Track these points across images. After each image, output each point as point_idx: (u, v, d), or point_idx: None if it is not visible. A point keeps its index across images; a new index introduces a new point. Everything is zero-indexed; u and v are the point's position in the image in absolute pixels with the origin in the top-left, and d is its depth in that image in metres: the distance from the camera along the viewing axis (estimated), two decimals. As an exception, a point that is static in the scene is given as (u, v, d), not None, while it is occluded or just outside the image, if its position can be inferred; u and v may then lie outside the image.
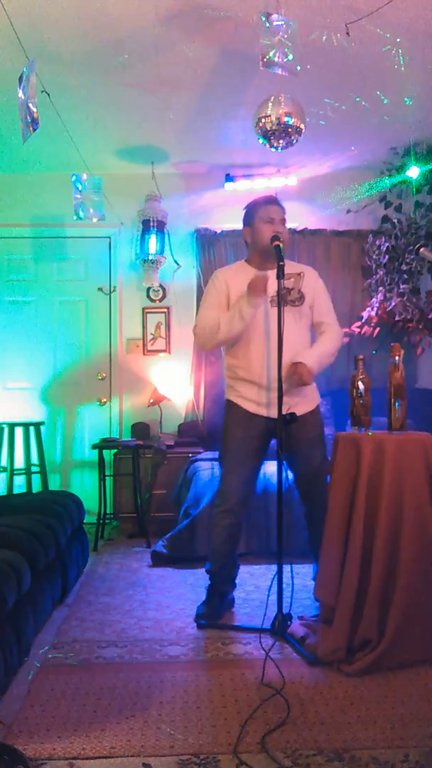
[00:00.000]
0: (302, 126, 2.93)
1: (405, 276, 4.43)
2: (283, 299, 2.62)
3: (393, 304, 4.43)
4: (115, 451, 4.58)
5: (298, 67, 2.63)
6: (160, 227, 4.81)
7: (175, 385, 4.95)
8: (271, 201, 2.79)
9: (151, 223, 4.76)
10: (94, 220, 3.70)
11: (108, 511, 4.49)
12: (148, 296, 5.08)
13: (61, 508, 3.12)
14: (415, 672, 2.23)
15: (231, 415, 2.82)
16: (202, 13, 2.97)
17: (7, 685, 2.13)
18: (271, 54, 2.58)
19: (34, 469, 4.67)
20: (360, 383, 2.57)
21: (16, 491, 4.51)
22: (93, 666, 2.35)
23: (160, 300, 5.08)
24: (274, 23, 2.56)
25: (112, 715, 1.97)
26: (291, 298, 2.74)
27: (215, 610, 2.81)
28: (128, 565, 3.74)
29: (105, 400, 5.07)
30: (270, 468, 3.49)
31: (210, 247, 4.98)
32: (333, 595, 2.39)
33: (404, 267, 4.42)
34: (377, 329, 4.63)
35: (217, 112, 4.00)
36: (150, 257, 4.79)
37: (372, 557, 2.30)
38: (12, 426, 4.59)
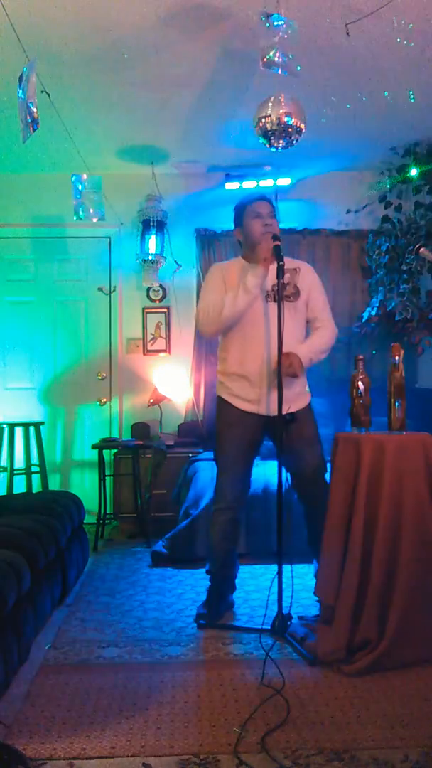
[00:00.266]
0: (302, 126, 2.93)
1: (405, 276, 4.43)
2: (277, 294, 2.62)
3: (393, 304, 4.43)
4: (115, 451, 4.58)
5: (298, 67, 2.63)
6: (160, 227, 4.81)
7: (175, 385, 4.95)
8: (258, 197, 2.81)
9: (151, 223, 4.77)
10: (94, 220, 3.70)
11: (108, 511, 4.49)
12: (148, 296, 5.08)
13: (61, 508, 3.12)
14: (415, 672, 2.23)
15: (223, 414, 2.82)
16: (202, 13, 2.97)
17: (7, 685, 2.13)
18: (271, 54, 2.58)
19: (34, 469, 4.67)
20: (360, 383, 2.57)
21: (16, 491, 4.51)
22: (93, 666, 2.35)
23: (160, 300, 5.08)
24: (274, 23, 2.56)
25: (112, 715, 1.97)
26: (286, 293, 2.73)
27: (215, 610, 2.81)
28: (128, 565, 3.74)
29: (105, 400, 5.07)
30: (270, 468, 3.49)
31: (210, 247, 4.98)
32: (333, 595, 2.39)
33: (404, 267, 4.41)
34: (377, 329, 4.63)
35: (217, 112, 4.00)
36: (150, 257, 4.79)
37: (372, 557, 2.30)
38: (12, 426, 4.59)
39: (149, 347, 5.07)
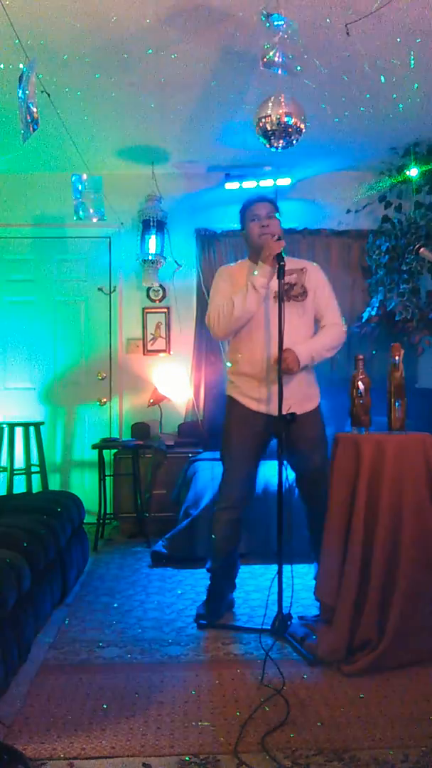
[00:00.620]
0: (302, 126, 2.93)
1: (405, 276, 4.43)
2: (285, 294, 2.64)
3: (393, 304, 4.43)
4: (115, 451, 4.58)
5: (298, 67, 2.63)
6: (160, 227, 4.81)
7: (175, 385, 4.95)
8: (256, 198, 2.83)
9: (151, 223, 4.76)
10: (94, 220, 3.70)
11: (108, 511, 4.49)
12: (148, 296, 5.08)
13: (61, 508, 3.12)
14: (415, 672, 2.24)
15: (232, 412, 2.83)
16: (202, 13, 2.97)
17: (7, 685, 2.13)
18: (271, 54, 2.58)
19: (34, 469, 4.67)
20: (360, 383, 2.57)
21: (16, 491, 4.51)
22: (93, 666, 2.35)
23: (160, 300, 5.08)
24: (274, 23, 2.56)
25: (112, 715, 1.97)
26: (294, 293, 2.75)
27: (215, 610, 2.81)
28: (128, 565, 3.74)
29: (105, 400, 5.07)
30: (270, 468, 3.48)
31: (210, 247, 4.98)
32: (333, 595, 2.40)
33: (404, 267, 4.41)
34: (377, 329, 4.63)
35: (217, 112, 4.00)
36: (150, 257, 4.78)
37: (372, 557, 2.30)
38: (12, 426, 4.59)
39: (149, 347, 5.07)
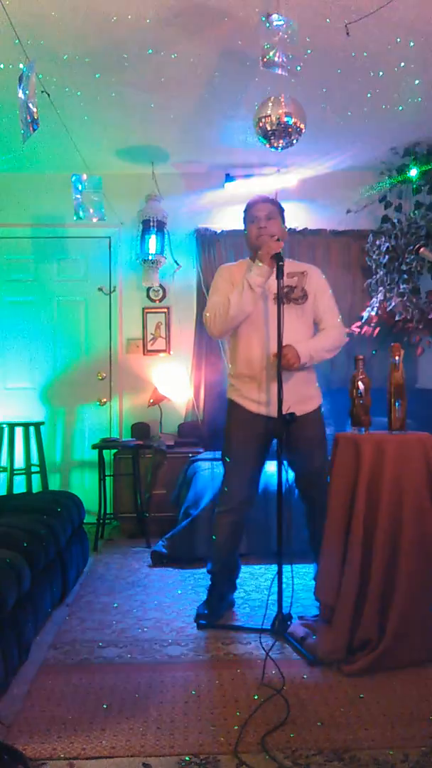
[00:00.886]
0: (302, 126, 2.94)
1: (405, 276, 4.43)
2: (286, 297, 2.64)
3: (393, 304, 4.43)
4: (115, 451, 4.58)
5: (298, 67, 2.63)
6: (160, 227, 4.80)
7: (175, 385, 4.95)
8: (256, 200, 2.84)
9: (151, 223, 4.76)
10: (94, 220, 3.70)
11: (108, 511, 4.49)
12: (148, 296, 5.08)
13: (61, 508, 3.12)
14: (416, 672, 2.24)
15: (233, 414, 2.83)
16: (202, 13, 2.97)
17: (7, 685, 2.13)
18: (271, 54, 2.58)
19: (34, 469, 4.67)
20: (360, 383, 2.57)
21: (16, 491, 4.51)
22: (93, 666, 2.35)
23: (160, 300, 5.08)
24: (274, 23, 2.56)
25: (112, 715, 1.97)
26: (294, 296, 2.76)
27: (215, 610, 2.81)
28: (128, 565, 3.74)
29: (105, 400, 5.07)
30: (270, 468, 3.48)
31: (210, 247, 4.98)
32: (333, 595, 2.39)
33: (404, 267, 4.41)
34: (377, 329, 4.63)
35: (217, 112, 4.00)
36: (150, 257, 4.78)
37: (372, 557, 2.30)
38: (12, 426, 4.59)
39: (149, 347, 5.07)
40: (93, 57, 3.34)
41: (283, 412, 2.52)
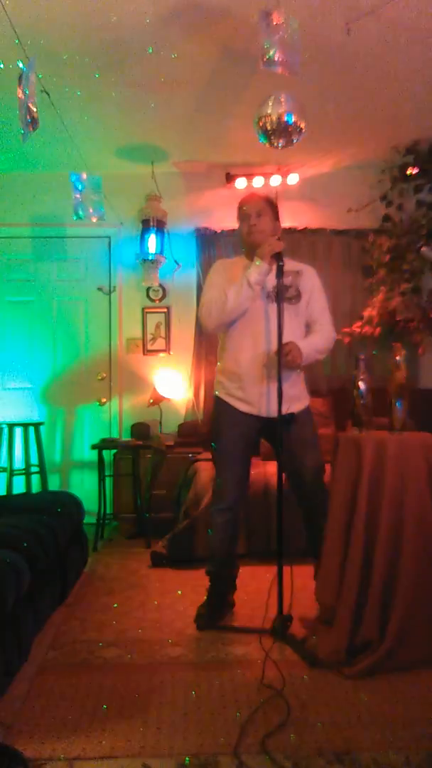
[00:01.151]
0: (303, 125, 2.93)
1: (406, 275, 4.42)
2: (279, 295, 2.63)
3: (394, 303, 4.42)
4: (115, 451, 4.57)
5: (298, 66, 2.62)
6: (160, 227, 4.80)
7: (174, 385, 4.94)
8: (246, 198, 2.83)
9: (151, 223, 4.76)
10: (94, 219, 3.70)
11: (108, 511, 4.49)
12: (147, 296, 5.08)
13: (61, 508, 3.11)
14: (417, 673, 2.23)
15: (221, 413, 2.82)
16: (202, 13, 2.97)
17: (7, 685, 2.13)
18: (271, 54, 2.58)
19: (34, 469, 4.66)
20: (361, 383, 2.56)
21: (15, 491, 4.51)
22: (93, 666, 2.35)
23: (160, 300, 5.07)
24: (274, 23, 2.55)
25: (112, 715, 1.97)
26: (288, 295, 2.75)
27: (215, 611, 2.80)
28: (128, 566, 3.73)
29: (105, 400, 5.06)
30: (270, 468, 3.48)
31: (210, 246, 4.97)
32: (334, 596, 2.39)
33: (406, 266, 4.41)
34: (378, 329, 4.62)
35: (217, 112, 4.00)
36: (150, 257, 4.78)
37: (373, 558, 2.29)
38: (12, 426, 4.59)
39: (149, 347, 5.07)
40: (93, 57, 3.33)
41: (283, 413, 2.50)
